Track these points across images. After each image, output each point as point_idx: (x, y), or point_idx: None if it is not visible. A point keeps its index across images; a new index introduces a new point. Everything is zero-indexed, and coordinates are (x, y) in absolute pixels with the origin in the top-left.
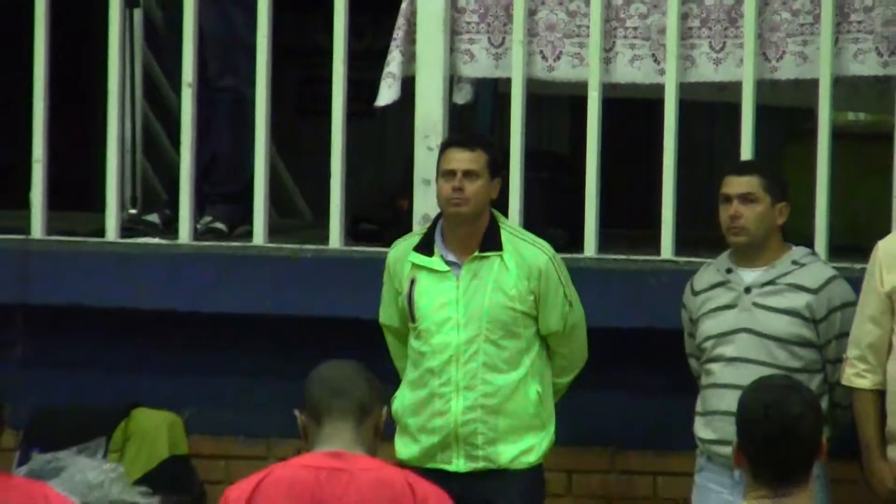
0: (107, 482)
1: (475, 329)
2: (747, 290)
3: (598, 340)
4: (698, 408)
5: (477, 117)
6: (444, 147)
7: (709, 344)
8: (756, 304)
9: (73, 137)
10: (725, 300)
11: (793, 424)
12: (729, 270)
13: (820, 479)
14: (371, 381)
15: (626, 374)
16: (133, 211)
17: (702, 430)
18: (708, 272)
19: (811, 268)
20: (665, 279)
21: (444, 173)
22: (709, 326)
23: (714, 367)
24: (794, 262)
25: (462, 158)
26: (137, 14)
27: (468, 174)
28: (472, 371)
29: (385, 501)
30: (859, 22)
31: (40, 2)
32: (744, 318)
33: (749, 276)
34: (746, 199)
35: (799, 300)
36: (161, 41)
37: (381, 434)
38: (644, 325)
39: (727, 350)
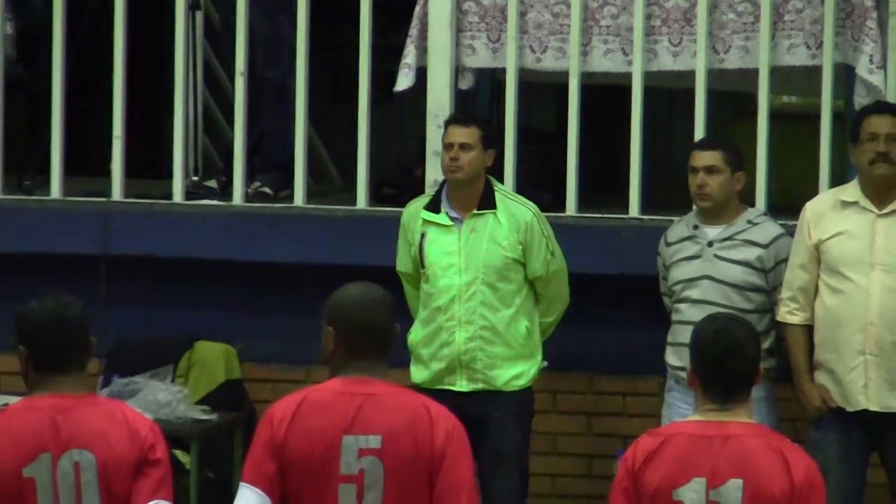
0: (174, 401)
1: (474, 273)
2: (710, 243)
3: (578, 284)
4: (669, 339)
5: (478, 100)
6: (446, 124)
7: (678, 287)
8: (717, 256)
9: (146, 117)
10: (692, 251)
11: (737, 347)
12: (695, 227)
13: (768, 400)
14: (392, 313)
15: (601, 311)
16: (195, 178)
17: (671, 357)
18: (678, 227)
19: (763, 226)
20: (633, 233)
21: (445, 146)
22: (678, 273)
23: (682, 306)
24: (749, 222)
25: (458, 133)
26: (199, 16)
27: (463, 146)
28: (472, 308)
29: (406, 421)
30: (792, 21)
31: (119, 6)
32: (706, 267)
33: (712, 232)
34: (710, 170)
35: (752, 253)
36: (218, 38)
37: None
38: (615, 271)
39: (693, 293)
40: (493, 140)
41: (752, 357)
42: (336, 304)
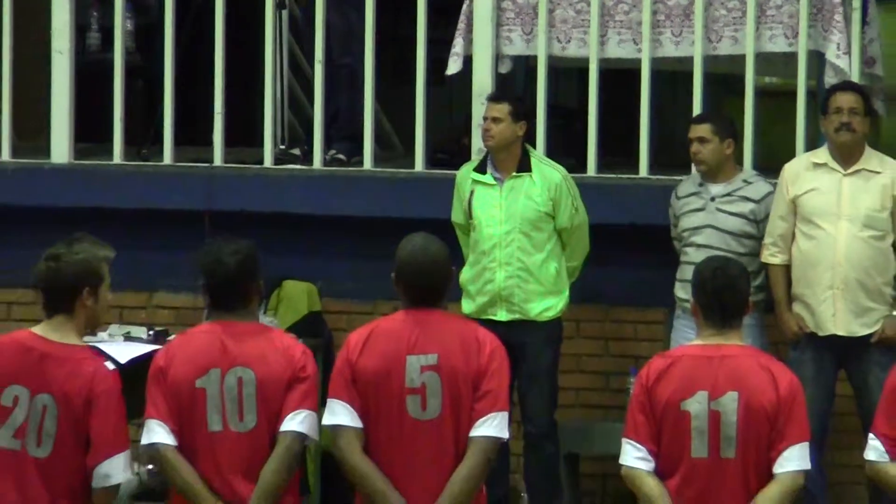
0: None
1: (512, 224)
2: (712, 198)
3: (598, 232)
4: (678, 276)
5: (514, 82)
6: (486, 101)
7: (685, 234)
8: (718, 209)
9: (242, 96)
10: (698, 205)
11: (732, 281)
12: (701, 184)
13: (759, 327)
14: (447, 263)
15: (617, 254)
16: (282, 146)
17: (679, 291)
18: (687, 184)
19: (756, 185)
20: (642, 190)
21: (483, 118)
22: (686, 222)
23: (689, 250)
24: (745, 181)
25: (491, 108)
26: (285, 14)
27: (494, 119)
28: (510, 253)
29: (458, 343)
30: (772, 15)
31: (219, 6)
32: (709, 217)
33: (714, 188)
34: (702, 140)
35: (746, 207)
36: (300, 31)
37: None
38: (629, 221)
39: (697, 239)
40: (522, 114)
41: (743, 290)
42: (400, 259)
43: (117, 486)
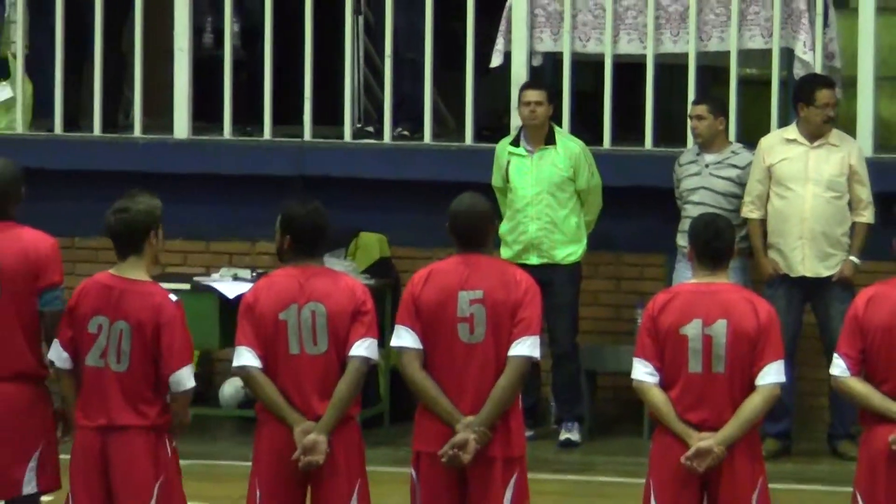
0: (347, 272)
1: (541, 186)
2: (706, 165)
3: (611, 193)
4: (679, 228)
5: (544, 73)
6: (523, 89)
7: (685, 193)
8: (711, 174)
9: (326, 84)
10: (695, 170)
11: (720, 232)
12: (698, 153)
13: (741, 269)
14: (488, 218)
15: (625, 210)
16: (359, 125)
17: (680, 240)
18: (687, 154)
19: (742, 155)
20: (647, 160)
21: (524, 103)
22: (685, 184)
23: (687, 206)
24: (733, 152)
25: (534, 94)
26: (361, 19)
27: (538, 103)
28: (540, 209)
29: (501, 282)
30: (752, 19)
31: (308, 13)
32: (704, 181)
33: (708, 157)
34: (699, 118)
35: (734, 172)
36: (373, 32)
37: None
38: (635, 184)
39: (694, 198)
40: (553, 98)
41: (729, 239)
42: (452, 213)
43: (190, 390)
